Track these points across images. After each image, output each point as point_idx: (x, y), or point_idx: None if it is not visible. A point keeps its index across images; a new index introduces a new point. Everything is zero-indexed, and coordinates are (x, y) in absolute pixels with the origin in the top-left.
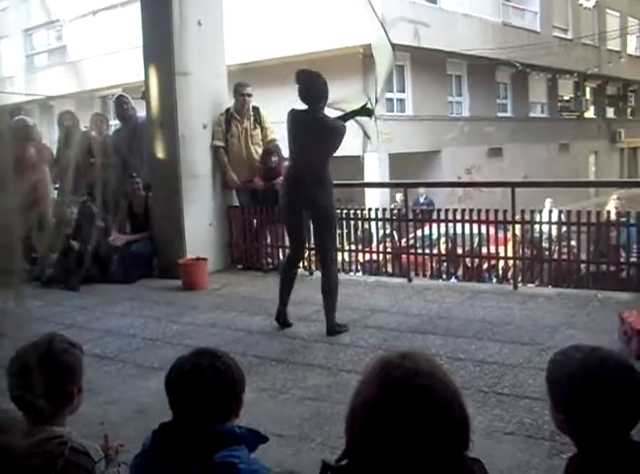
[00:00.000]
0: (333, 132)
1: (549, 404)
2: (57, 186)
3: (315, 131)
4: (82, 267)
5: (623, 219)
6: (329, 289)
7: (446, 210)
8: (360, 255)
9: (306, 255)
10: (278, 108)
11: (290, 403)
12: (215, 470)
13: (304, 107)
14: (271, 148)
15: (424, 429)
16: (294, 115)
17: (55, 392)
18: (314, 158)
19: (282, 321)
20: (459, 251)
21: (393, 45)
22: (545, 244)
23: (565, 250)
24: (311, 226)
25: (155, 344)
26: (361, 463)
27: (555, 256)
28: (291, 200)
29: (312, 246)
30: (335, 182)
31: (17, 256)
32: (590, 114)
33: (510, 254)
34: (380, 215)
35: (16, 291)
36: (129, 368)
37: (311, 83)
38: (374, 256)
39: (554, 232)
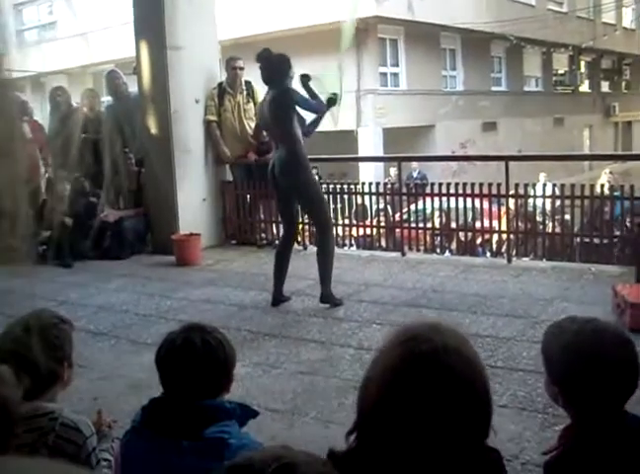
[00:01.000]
0: (275, 100)
1: (544, 376)
2: (49, 162)
3: (271, 110)
4: (75, 243)
5: (616, 193)
6: (324, 254)
7: (440, 184)
8: (355, 229)
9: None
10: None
11: (284, 377)
12: (206, 445)
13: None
14: None
15: (443, 409)
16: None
17: (45, 367)
18: (278, 134)
19: (280, 301)
20: (453, 225)
21: None
22: (539, 218)
23: (559, 224)
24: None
25: (149, 319)
26: (371, 445)
27: (549, 229)
28: (275, 181)
29: (306, 220)
30: (329, 156)
31: (20, 232)
32: (584, 87)
33: (504, 228)
34: (374, 190)
35: (22, 268)
36: (123, 344)
37: (268, 64)
38: (368, 230)
39: (548, 206)
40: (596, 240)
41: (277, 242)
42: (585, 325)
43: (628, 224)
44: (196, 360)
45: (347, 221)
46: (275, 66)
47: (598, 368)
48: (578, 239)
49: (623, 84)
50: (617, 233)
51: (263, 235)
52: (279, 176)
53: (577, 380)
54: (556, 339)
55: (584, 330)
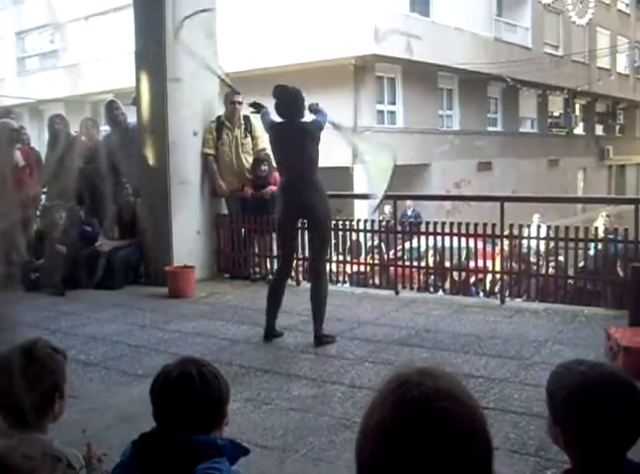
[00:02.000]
0: (310, 130)
1: (547, 416)
2: (45, 190)
3: (297, 138)
4: (68, 272)
5: (611, 236)
6: (319, 299)
7: (435, 223)
8: (348, 266)
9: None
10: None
11: (275, 413)
12: None
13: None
14: (261, 157)
15: (442, 459)
16: (276, 127)
17: (37, 398)
18: (304, 166)
19: (273, 336)
20: (447, 264)
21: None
22: (533, 259)
23: (552, 265)
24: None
25: (140, 351)
26: None
27: (543, 271)
28: (288, 211)
29: (299, 256)
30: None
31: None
32: (579, 130)
33: (497, 268)
34: (369, 227)
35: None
36: (114, 375)
37: (287, 99)
38: (362, 267)
39: (542, 247)
40: (589, 282)
41: (270, 276)
42: (592, 368)
43: (620, 268)
44: (192, 393)
45: (341, 258)
46: (290, 101)
47: (600, 413)
48: (571, 281)
49: (617, 128)
50: (611, 276)
51: (256, 269)
52: (299, 206)
53: (579, 423)
54: (562, 380)
55: (590, 373)
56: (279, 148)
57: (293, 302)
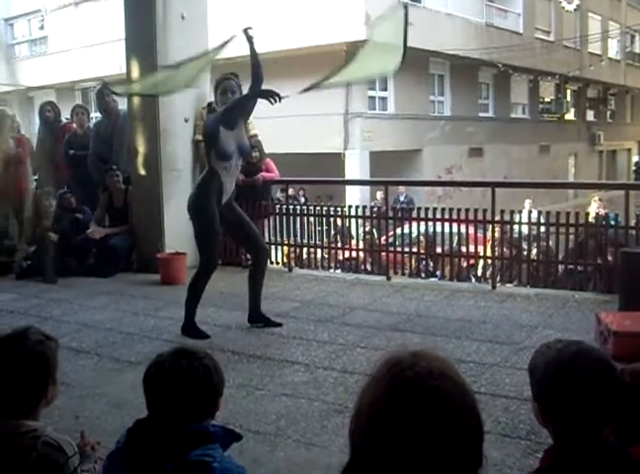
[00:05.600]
0: None
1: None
2: (36, 177)
3: None
4: (60, 259)
5: (603, 222)
6: (190, 291)
7: (426, 209)
8: (340, 252)
9: (286, 251)
10: (260, 102)
11: (267, 399)
12: (190, 468)
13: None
14: (252, 143)
15: (435, 437)
16: None
17: (29, 385)
18: None
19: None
20: (439, 250)
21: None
22: (524, 244)
23: (544, 250)
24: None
25: (132, 338)
26: None
27: (534, 256)
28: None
29: (291, 243)
30: (316, 178)
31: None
32: (570, 116)
33: (489, 253)
34: (360, 213)
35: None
36: (106, 362)
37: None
38: (354, 253)
39: (533, 232)
40: (580, 267)
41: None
42: (569, 345)
43: (610, 252)
44: (181, 387)
45: (332, 244)
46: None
47: (575, 388)
48: (562, 266)
49: (608, 113)
50: (601, 261)
51: (248, 256)
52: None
53: (555, 397)
54: (541, 356)
55: (567, 349)
56: None
57: (285, 289)
